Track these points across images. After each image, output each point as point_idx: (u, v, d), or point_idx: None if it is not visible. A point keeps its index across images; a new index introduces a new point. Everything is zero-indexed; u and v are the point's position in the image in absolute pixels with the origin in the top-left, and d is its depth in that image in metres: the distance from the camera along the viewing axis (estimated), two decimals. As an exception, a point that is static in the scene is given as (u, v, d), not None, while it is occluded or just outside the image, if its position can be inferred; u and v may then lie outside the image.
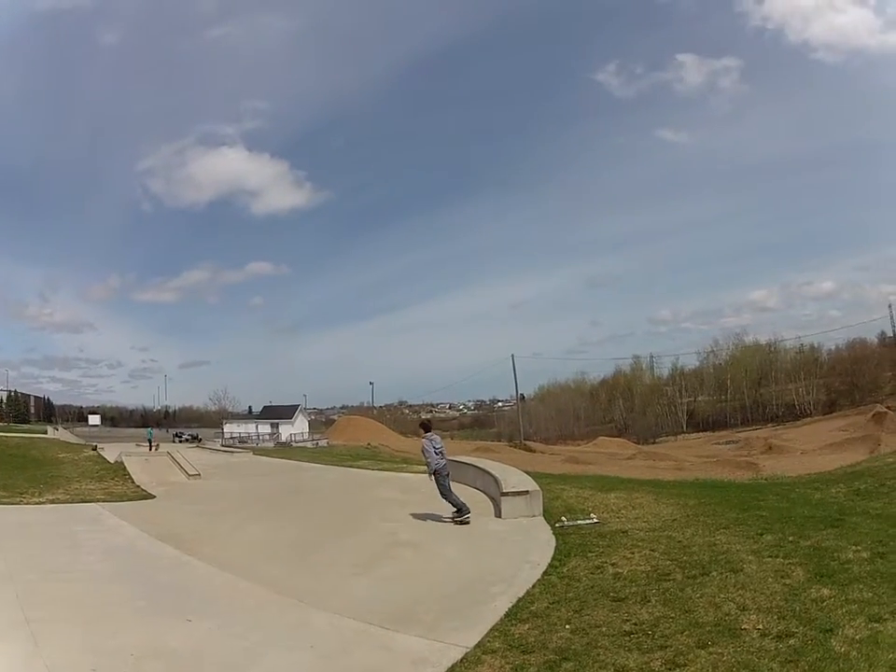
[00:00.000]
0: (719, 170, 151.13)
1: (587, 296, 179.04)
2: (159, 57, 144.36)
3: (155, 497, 18.64)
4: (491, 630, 6.39)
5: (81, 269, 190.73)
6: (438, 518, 12.72)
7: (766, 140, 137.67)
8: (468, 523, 12.04)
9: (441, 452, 12.56)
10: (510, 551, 9.89)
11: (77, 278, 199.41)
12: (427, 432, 12.69)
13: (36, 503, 16.76)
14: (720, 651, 5.32)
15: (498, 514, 12.59)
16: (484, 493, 14.87)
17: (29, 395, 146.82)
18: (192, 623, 7.02)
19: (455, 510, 12.33)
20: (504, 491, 12.68)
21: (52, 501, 17.13)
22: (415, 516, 13.28)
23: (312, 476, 24.69)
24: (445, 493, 12.53)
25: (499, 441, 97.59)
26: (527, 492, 12.62)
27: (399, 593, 8.17)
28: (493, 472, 14.77)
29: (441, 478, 12.47)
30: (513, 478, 13.99)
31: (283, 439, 69.85)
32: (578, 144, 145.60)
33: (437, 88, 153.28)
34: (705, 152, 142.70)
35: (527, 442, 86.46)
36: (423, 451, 12.63)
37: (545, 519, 11.82)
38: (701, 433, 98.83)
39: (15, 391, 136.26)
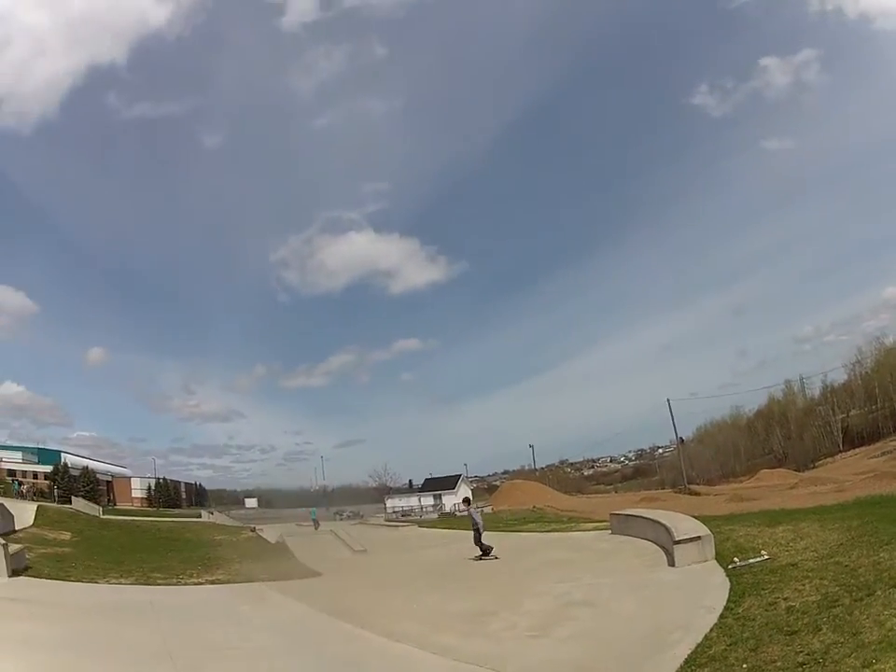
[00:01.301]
0: (830, 166, 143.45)
1: (732, 325, 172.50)
2: (268, 152, 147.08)
3: (321, 573, 19.39)
4: None
5: (225, 361, 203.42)
6: (611, 574, 13.15)
7: (864, 125, 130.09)
8: (493, 558, 17.94)
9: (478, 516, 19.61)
10: (685, 598, 10.17)
11: (221, 370, 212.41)
12: (469, 505, 20.85)
13: (195, 584, 17.53)
14: (881, 667, 5.49)
15: (672, 563, 12.88)
16: (655, 543, 15.22)
17: (179, 481, 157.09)
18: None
19: (482, 552, 18.52)
20: (676, 539, 12.94)
21: (212, 582, 17.89)
22: (589, 574, 13.64)
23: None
24: (477, 541, 18.80)
25: (663, 488, 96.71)
26: (699, 537, 12.95)
27: (578, 652, 8.33)
28: (663, 522, 15.01)
29: (478, 534, 18.86)
30: (683, 525, 14.20)
31: (447, 509, 70.85)
32: (691, 172, 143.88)
33: (542, 142, 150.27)
34: (812, 152, 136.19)
35: (691, 486, 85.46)
36: (471, 516, 19.82)
37: (717, 562, 12.10)
38: (858, 448, 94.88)
39: (164, 478, 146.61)
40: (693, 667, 6.82)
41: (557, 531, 25.36)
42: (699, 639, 7.65)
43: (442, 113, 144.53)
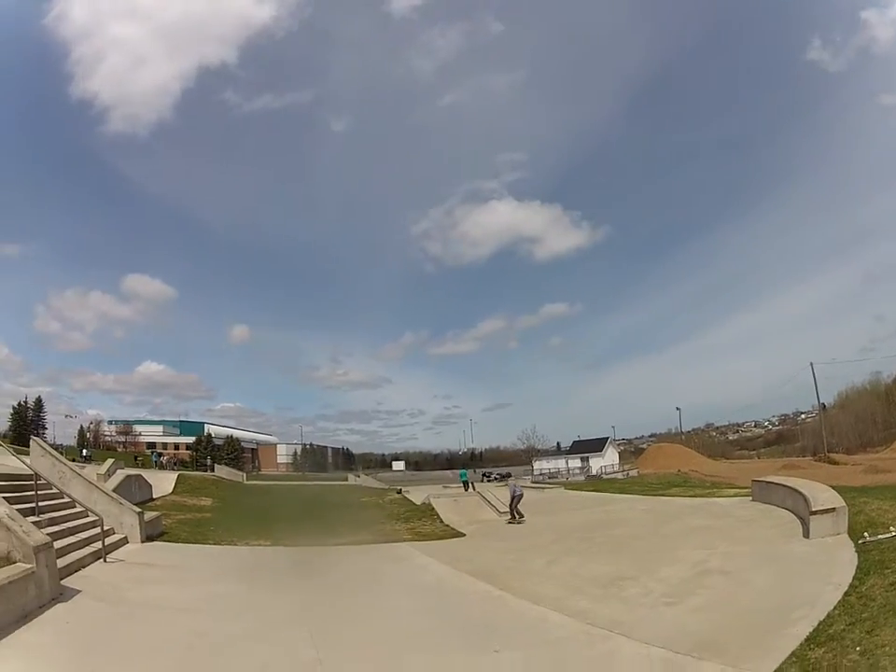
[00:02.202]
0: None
1: (867, 289, 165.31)
2: (398, 131, 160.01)
3: (465, 535, 19.96)
4: (789, 657, 6.73)
5: (372, 332, 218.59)
6: (748, 543, 13.46)
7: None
8: (520, 522, 22.54)
9: (518, 487, 25.04)
10: (815, 573, 10.30)
11: (369, 340, 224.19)
12: (510, 478, 45.26)
13: (337, 544, 18.10)
14: None
15: (806, 534, 13.05)
16: (793, 513, 15.43)
17: (326, 446, 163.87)
18: (499, 654, 7.57)
19: (511, 517, 23.37)
20: (813, 510, 13.13)
21: (355, 542, 18.54)
22: (726, 543, 13.88)
23: (623, 507, 25.14)
24: (512, 507, 23.58)
25: (804, 455, 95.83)
26: (834, 509, 13.07)
27: (707, 622, 8.60)
28: (802, 491, 15.12)
29: (515, 502, 23.59)
30: (821, 495, 14.22)
31: (593, 472, 72.33)
32: (815, 131, 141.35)
33: (669, 107, 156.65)
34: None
35: (830, 455, 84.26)
36: (511, 487, 25.23)
37: (848, 536, 12.18)
38: None
39: (310, 444, 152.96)
40: (812, 646, 6.95)
41: (700, 496, 25.99)
42: (822, 617, 7.85)
43: (568, 81, 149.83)
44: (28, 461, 16.36)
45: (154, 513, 19.55)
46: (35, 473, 14.59)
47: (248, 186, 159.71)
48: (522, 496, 24.17)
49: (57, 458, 17.93)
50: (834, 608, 8.12)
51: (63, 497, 15.48)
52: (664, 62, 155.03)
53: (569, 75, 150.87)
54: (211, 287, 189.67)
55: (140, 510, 17.10)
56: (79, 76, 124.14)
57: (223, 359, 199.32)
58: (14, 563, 9.43)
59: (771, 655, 6.85)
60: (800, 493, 15.20)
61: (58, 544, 11.94)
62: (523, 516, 23.06)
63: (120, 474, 28.61)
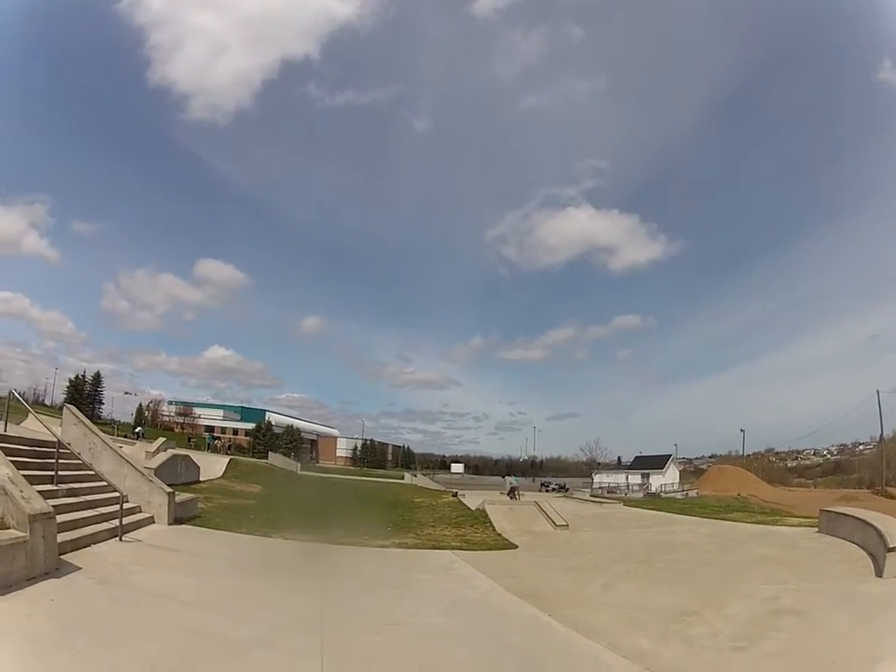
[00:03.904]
0: None
1: None
2: (478, 133, 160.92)
3: (517, 546, 18.77)
4: None
5: (442, 332, 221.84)
6: (818, 580, 12.38)
7: None
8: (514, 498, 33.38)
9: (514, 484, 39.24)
10: (893, 616, 9.44)
11: (438, 340, 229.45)
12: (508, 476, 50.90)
13: (379, 545, 17.38)
14: None
15: (879, 573, 11.90)
16: (863, 548, 14.28)
17: (386, 443, 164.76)
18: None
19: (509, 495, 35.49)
20: (890, 546, 11.98)
21: (399, 545, 17.65)
22: (797, 577, 12.74)
23: (684, 530, 23.36)
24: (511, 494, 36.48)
25: (860, 487, 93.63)
26: None
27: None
28: (874, 524, 14.07)
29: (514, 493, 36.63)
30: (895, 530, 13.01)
31: (652, 489, 71.72)
32: (888, 153, 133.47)
33: (751, 121, 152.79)
34: None
35: (889, 489, 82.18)
36: (509, 482, 41.13)
37: None
38: None
39: (371, 440, 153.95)
40: None
41: (762, 523, 24.85)
42: None
43: (650, 89, 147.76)
44: (58, 429, 15.82)
45: (189, 495, 19.02)
46: (59, 440, 13.98)
47: (327, 179, 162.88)
48: (517, 488, 38.81)
49: (89, 428, 17.33)
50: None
51: (90, 470, 14.83)
52: (746, 76, 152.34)
53: (652, 83, 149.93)
54: (284, 277, 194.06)
55: (171, 490, 16.40)
56: (157, 61, 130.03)
57: (291, 350, 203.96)
58: (6, 528, 8.91)
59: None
60: (872, 526, 14.09)
61: (72, 517, 11.91)
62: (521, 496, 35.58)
63: (167, 453, 28.16)
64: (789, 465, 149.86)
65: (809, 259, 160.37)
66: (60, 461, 13.62)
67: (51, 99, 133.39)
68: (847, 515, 16.99)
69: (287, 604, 9.77)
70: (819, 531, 18.54)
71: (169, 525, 15.78)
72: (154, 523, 15.51)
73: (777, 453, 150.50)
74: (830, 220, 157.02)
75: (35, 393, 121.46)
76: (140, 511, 15.52)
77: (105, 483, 14.43)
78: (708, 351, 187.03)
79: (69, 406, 18.24)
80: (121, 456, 16.85)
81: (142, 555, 11.78)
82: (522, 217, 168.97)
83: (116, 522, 12.79)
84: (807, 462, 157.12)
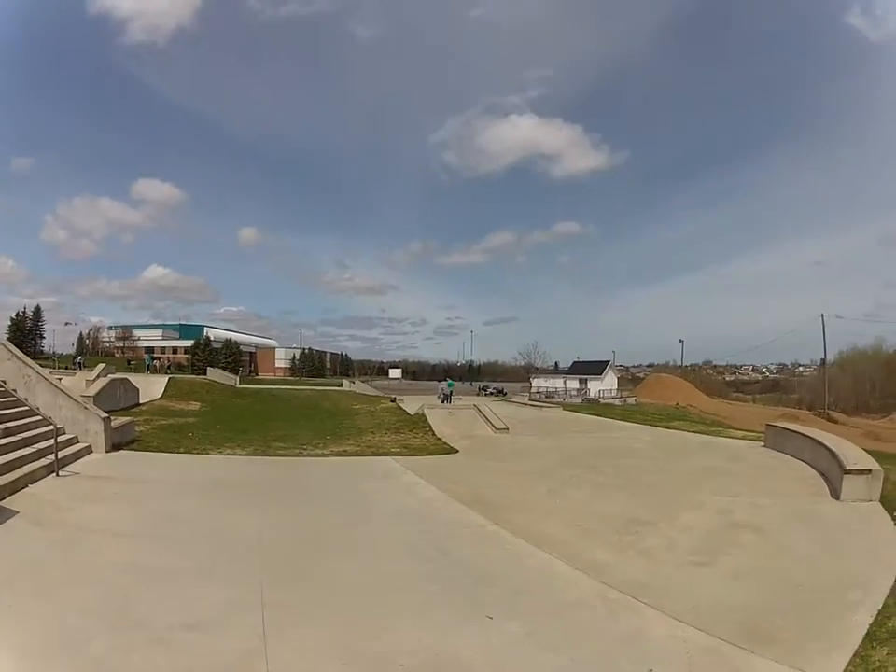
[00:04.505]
0: None
1: (882, 254, 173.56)
2: (423, 41, 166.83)
3: (458, 451, 18.51)
4: (853, 657, 5.60)
5: (382, 238, 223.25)
6: (772, 496, 12.15)
7: None
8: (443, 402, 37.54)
9: (445, 390, 44.51)
10: (859, 546, 9.12)
11: (377, 246, 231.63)
12: (442, 381, 52.26)
13: (319, 455, 17.21)
14: None
15: (836, 496, 11.82)
16: (813, 467, 14.44)
17: (325, 352, 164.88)
18: (493, 622, 6.10)
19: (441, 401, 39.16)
20: (847, 468, 11.80)
21: (339, 454, 17.47)
22: (749, 491, 12.65)
23: (626, 436, 24.07)
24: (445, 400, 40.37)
25: (800, 407, 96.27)
26: (869, 471, 11.76)
27: (750, 595, 7.13)
28: (827, 445, 14.01)
29: (444, 398, 41.73)
30: (850, 453, 12.96)
31: (591, 395, 70.83)
32: (853, 92, 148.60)
33: (706, 38, 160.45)
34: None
35: (830, 412, 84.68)
36: (441, 389, 45.50)
37: (882, 505, 11.16)
38: None
39: (309, 348, 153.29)
40: (873, 643, 5.78)
41: (704, 433, 25.15)
42: (879, 605, 6.68)
43: (603, 4, 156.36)
44: None
45: (126, 419, 18.56)
46: None
47: (266, 91, 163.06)
48: (450, 393, 43.03)
49: (23, 362, 16.71)
50: (889, 594, 6.93)
51: (24, 405, 14.48)
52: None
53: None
54: (223, 190, 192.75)
55: (106, 415, 16.04)
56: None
57: (230, 263, 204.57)
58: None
59: (833, 653, 5.60)
60: (824, 446, 14.09)
61: (9, 457, 11.81)
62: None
63: (105, 380, 27.38)
64: (727, 379, 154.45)
65: (760, 179, 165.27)
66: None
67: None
68: (796, 432, 17.18)
69: (226, 526, 9.57)
70: (765, 445, 18.81)
71: (107, 451, 15.52)
72: (92, 452, 15.22)
73: (716, 366, 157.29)
74: (786, 144, 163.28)
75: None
76: (77, 442, 15.20)
77: (41, 418, 14.01)
78: (650, 260, 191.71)
79: (2, 342, 17.37)
80: (56, 386, 16.34)
81: (78, 489, 11.52)
82: (464, 123, 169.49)
83: (52, 457, 12.45)
84: (745, 378, 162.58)
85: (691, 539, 9.32)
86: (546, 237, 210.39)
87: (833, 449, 13.31)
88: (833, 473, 12.68)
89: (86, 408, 15.83)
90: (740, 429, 29.34)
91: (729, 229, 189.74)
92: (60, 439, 13.09)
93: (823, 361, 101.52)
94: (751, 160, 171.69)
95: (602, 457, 17.67)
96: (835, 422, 71.81)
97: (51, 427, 12.92)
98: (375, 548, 8.69)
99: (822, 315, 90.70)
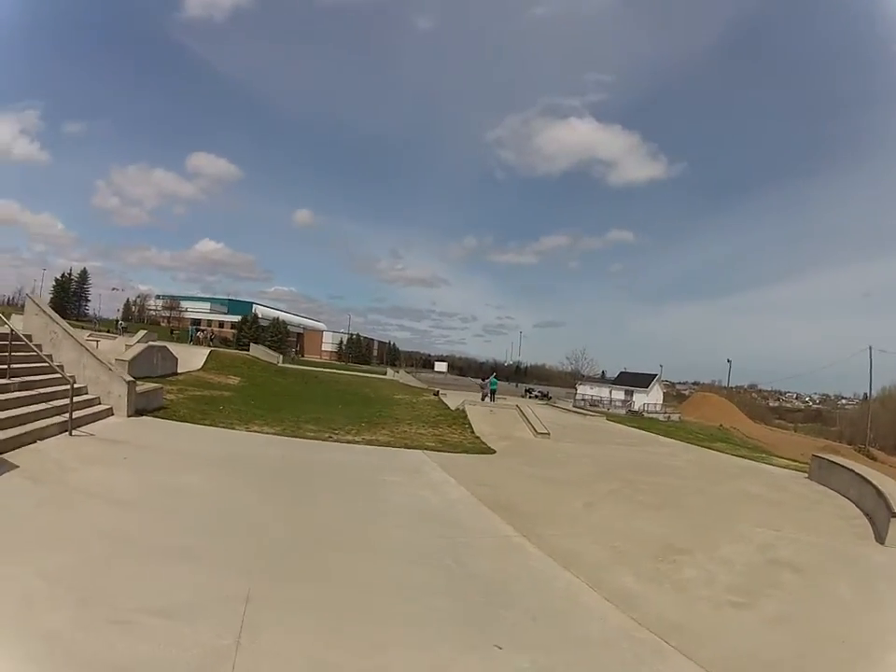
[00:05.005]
0: None
1: None
2: (485, 37, 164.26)
3: (495, 452, 17.86)
4: None
5: (436, 230, 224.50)
6: (815, 533, 11.39)
7: None
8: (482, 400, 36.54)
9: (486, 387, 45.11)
10: None
11: (431, 239, 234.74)
12: (482, 380, 57.93)
13: (349, 441, 16.60)
14: None
15: (879, 539, 10.96)
16: (857, 505, 13.64)
17: (372, 339, 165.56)
18: (502, 653, 5.30)
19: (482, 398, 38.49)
20: (895, 511, 10.96)
21: (370, 442, 16.90)
22: (792, 526, 11.83)
23: (668, 452, 23.45)
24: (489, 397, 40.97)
25: (840, 440, 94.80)
26: None
27: (788, 648, 6.30)
28: (875, 483, 13.24)
29: (486, 396, 42.01)
30: None
31: (635, 407, 70.91)
32: None
33: (770, 53, 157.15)
34: None
35: (871, 449, 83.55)
36: (483, 386, 48.19)
37: None
38: None
39: (357, 334, 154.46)
40: None
41: (748, 458, 24.37)
42: None
43: (665, 11, 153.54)
44: (18, 321, 14.92)
45: (154, 385, 18.14)
46: (12, 331, 13.36)
47: (325, 75, 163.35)
48: (490, 392, 41.19)
49: (51, 318, 16.24)
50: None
51: (46, 362, 13.95)
52: (773, 10, 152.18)
53: (666, 4, 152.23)
54: (278, 170, 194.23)
55: (132, 379, 15.64)
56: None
57: (283, 243, 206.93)
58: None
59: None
60: (871, 484, 13.27)
61: (23, 411, 11.50)
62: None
63: (143, 345, 27.15)
64: (770, 404, 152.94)
65: (816, 199, 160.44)
66: (14, 353, 12.94)
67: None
68: (843, 467, 16.32)
69: (231, 506, 9.01)
70: (809, 477, 18.08)
71: (129, 416, 15.08)
72: (113, 415, 14.82)
73: (760, 390, 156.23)
74: (846, 165, 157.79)
75: (21, 295, 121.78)
76: (99, 403, 14.81)
77: (67, 375, 13.44)
78: (701, 275, 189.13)
79: (31, 296, 17.11)
80: (82, 345, 15.93)
81: (88, 450, 11.09)
82: (522, 121, 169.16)
83: (76, 414, 12.30)
84: (789, 405, 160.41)
85: (730, 574, 8.51)
86: (599, 243, 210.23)
87: (881, 489, 12.53)
88: (878, 515, 11.84)
89: (110, 369, 15.45)
90: (783, 457, 28.55)
91: (782, 248, 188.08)
92: (80, 399, 13.05)
93: (867, 396, 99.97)
94: (809, 179, 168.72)
95: (642, 473, 16.86)
96: (874, 459, 70.49)
97: (77, 385, 12.72)
98: (385, 549, 7.93)
99: (870, 348, 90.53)
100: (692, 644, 5.96)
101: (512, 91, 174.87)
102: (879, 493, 12.27)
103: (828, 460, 17.84)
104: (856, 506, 13.62)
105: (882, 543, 10.72)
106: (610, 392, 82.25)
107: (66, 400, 12.40)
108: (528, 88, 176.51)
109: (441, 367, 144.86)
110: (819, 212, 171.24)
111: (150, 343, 30.87)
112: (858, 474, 14.72)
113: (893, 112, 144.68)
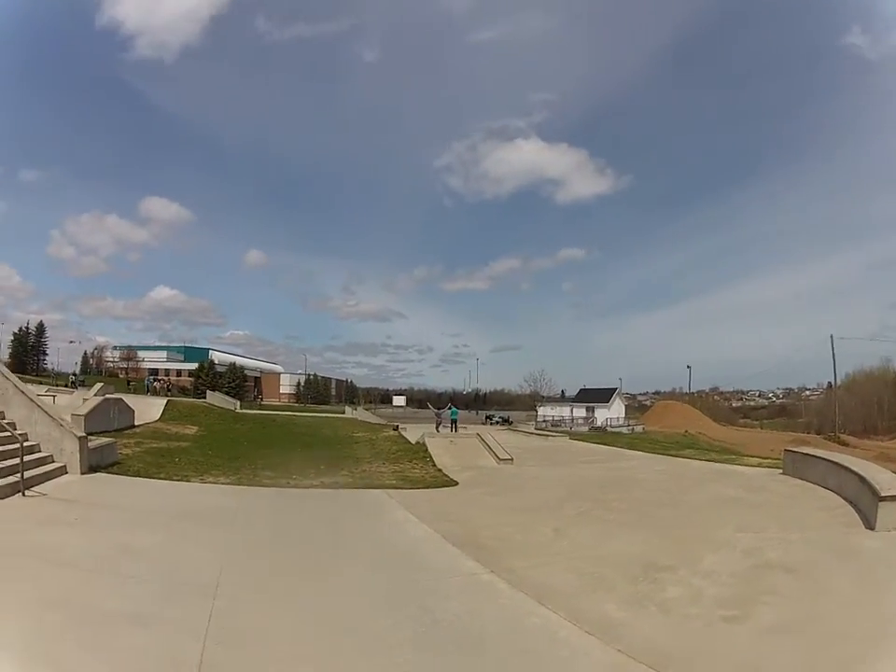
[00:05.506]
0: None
1: (888, 275, 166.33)
2: (428, 64, 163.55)
3: (457, 483, 17.56)
4: None
5: (386, 263, 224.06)
6: (801, 529, 11.00)
7: None
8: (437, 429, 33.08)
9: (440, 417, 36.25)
10: None
11: (381, 271, 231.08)
12: (440, 409, 39.11)
13: (308, 486, 16.25)
14: None
15: (868, 525, 10.76)
16: (839, 495, 13.35)
17: (330, 378, 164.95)
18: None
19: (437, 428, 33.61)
20: (883, 495, 10.71)
21: (330, 485, 16.53)
22: (776, 525, 11.43)
23: (636, 465, 22.93)
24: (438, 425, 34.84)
25: (808, 431, 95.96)
26: None
27: (794, 655, 5.88)
28: (855, 470, 13.02)
29: (441, 424, 35.08)
30: (881, 477, 11.92)
31: (598, 423, 70.28)
32: (850, 113, 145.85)
33: (706, 64, 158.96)
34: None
35: (841, 435, 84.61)
36: (438, 414, 36.80)
37: None
38: None
39: (314, 374, 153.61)
40: None
41: (718, 462, 24.09)
42: None
43: (606, 28, 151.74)
44: None
45: (108, 440, 17.64)
46: None
47: (273, 112, 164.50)
48: (451, 422, 36.08)
49: (2, 373, 15.74)
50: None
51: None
52: (706, 20, 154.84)
53: (610, 20, 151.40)
54: (230, 211, 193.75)
55: (83, 434, 15.14)
56: (107, 3, 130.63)
57: (236, 286, 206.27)
58: None
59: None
60: (853, 472, 12.98)
61: None
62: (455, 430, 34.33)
63: (98, 398, 26.45)
64: (734, 405, 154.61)
65: (763, 202, 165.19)
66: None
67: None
68: (818, 457, 16.13)
69: (184, 563, 8.53)
70: (783, 473, 17.71)
71: (83, 473, 14.57)
72: (67, 473, 14.33)
73: (722, 392, 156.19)
74: (787, 167, 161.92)
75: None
76: (52, 461, 14.29)
77: (20, 432, 13.11)
78: (655, 286, 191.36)
79: (-19, 352, 16.51)
80: (33, 401, 15.42)
81: (39, 511, 10.73)
82: (469, 147, 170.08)
83: (29, 473, 12.09)
84: (752, 403, 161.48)
85: (718, 586, 8.02)
86: (550, 263, 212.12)
87: (863, 474, 12.33)
88: (863, 501, 11.69)
89: (61, 425, 14.92)
90: (754, 456, 28.42)
91: (734, 252, 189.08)
92: (32, 457, 12.72)
93: (831, 384, 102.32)
94: (756, 182, 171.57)
95: (612, 490, 16.50)
96: (846, 445, 71.32)
97: (31, 443, 12.68)
98: (345, 600, 7.42)
99: (831, 337, 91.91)
100: (688, 670, 5.57)
101: (458, 117, 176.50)
102: (862, 479, 12.10)
103: (801, 453, 17.74)
104: (837, 495, 13.37)
105: (872, 529, 10.49)
106: (572, 410, 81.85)
107: (17, 460, 11.88)
108: (474, 112, 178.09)
109: (399, 401, 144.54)
110: (770, 214, 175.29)
111: (107, 395, 30.23)
112: (835, 463, 14.57)
113: (822, 111, 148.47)
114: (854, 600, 7.29)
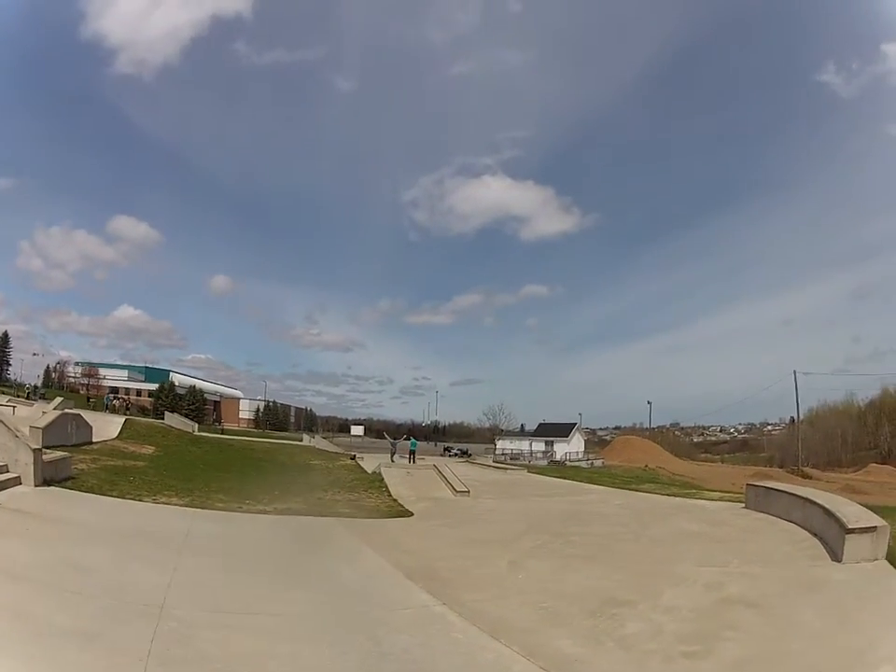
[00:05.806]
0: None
1: (850, 309, 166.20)
2: (402, 97, 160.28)
3: (413, 514, 17.43)
4: None
5: (350, 294, 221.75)
6: (765, 564, 10.74)
7: None
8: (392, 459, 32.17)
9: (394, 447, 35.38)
10: (875, 612, 7.97)
11: (345, 302, 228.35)
12: (395, 439, 39.74)
13: (260, 511, 16.02)
14: None
15: (836, 558, 10.63)
16: (804, 528, 13.03)
17: (290, 405, 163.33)
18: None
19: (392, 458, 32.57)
20: (850, 527, 10.59)
21: (282, 511, 16.28)
22: (738, 558, 11.19)
23: (595, 499, 22.58)
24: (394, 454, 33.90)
25: (771, 465, 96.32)
26: (874, 528, 10.66)
27: None
28: (820, 503, 12.78)
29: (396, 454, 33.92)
30: (848, 510, 11.74)
31: (557, 457, 70.09)
32: (821, 148, 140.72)
33: (674, 99, 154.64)
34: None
35: (804, 469, 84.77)
36: (393, 444, 36.43)
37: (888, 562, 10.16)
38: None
39: (274, 401, 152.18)
40: None
41: (679, 496, 23.51)
42: None
43: (578, 65, 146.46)
44: None
45: (62, 454, 17.33)
46: None
47: (247, 136, 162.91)
48: (410, 453, 34.90)
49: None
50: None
51: None
52: (674, 53, 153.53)
53: (579, 59, 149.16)
54: (197, 234, 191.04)
55: (38, 447, 15.06)
56: (91, 15, 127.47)
57: (199, 310, 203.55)
58: None
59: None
60: (817, 504, 12.81)
61: None
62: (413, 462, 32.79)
63: (57, 413, 25.88)
64: (695, 440, 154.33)
65: (726, 237, 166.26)
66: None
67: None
68: (782, 491, 15.86)
69: (132, 582, 8.32)
70: (746, 507, 17.34)
71: (36, 486, 14.42)
72: (21, 484, 14.14)
73: (683, 427, 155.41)
74: (752, 201, 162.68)
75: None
76: (7, 471, 14.16)
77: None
78: (616, 322, 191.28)
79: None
80: (-14, 412, 14.88)
81: None
82: (436, 182, 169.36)
83: None
84: (713, 438, 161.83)
85: (678, 621, 7.82)
86: (513, 299, 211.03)
87: (828, 507, 12.15)
88: (829, 533, 11.58)
89: (17, 436, 14.67)
90: (715, 490, 28.28)
91: (696, 288, 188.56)
92: None
93: (794, 419, 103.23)
94: (717, 219, 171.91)
95: (570, 523, 16.19)
96: (809, 477, 71.47)
97: None
98: (291, 630, 7.21)
99: (794, 372, 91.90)
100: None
101: (428, 151, 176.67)
102: (827, 512, 11.96)
103: (764, 487, 17.44)
104: (802, 528, 13.13)
105: (839, 561, 10.40)
106: (531, 444, 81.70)
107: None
108: (443, 147, 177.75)
109: (357, 430, 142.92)
110: (732, 248, 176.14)
111: (66, 410, 29.72)
112: (799, 496, 14.35)
113: (792, 146, 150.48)
114: (822, 634, 7.18)
